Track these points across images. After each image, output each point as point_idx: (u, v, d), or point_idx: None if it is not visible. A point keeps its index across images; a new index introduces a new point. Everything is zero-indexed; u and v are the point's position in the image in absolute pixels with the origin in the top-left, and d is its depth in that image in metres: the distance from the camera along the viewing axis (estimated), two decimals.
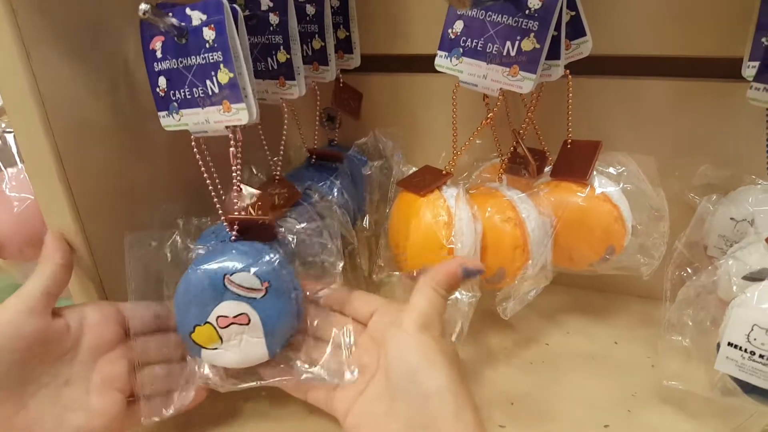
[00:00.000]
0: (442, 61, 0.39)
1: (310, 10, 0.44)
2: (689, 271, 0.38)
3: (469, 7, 0.32)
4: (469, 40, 0.37)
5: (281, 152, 0.45)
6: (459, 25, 0.37)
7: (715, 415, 0.39)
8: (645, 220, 0.42)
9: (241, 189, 0.38)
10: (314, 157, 0.51)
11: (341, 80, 0.52)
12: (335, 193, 0.49)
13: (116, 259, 0.40)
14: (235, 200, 0.36)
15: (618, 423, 0.40)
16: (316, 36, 0.45)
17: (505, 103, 0.45)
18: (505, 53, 0.36)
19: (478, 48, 0.37)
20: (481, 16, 0.36)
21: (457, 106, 0.41)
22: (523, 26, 0.35)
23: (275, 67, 0.41)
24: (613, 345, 0.48)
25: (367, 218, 0.53)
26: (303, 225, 0.38)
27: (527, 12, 0.35)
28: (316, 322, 0.39)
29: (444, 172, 0.43)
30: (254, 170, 0.50)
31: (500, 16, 0.36)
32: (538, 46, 0.35)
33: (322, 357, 0.38)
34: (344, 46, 0.49)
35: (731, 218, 0.41)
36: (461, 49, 0.38)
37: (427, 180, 0.42)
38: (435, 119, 0.54)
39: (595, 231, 0.41)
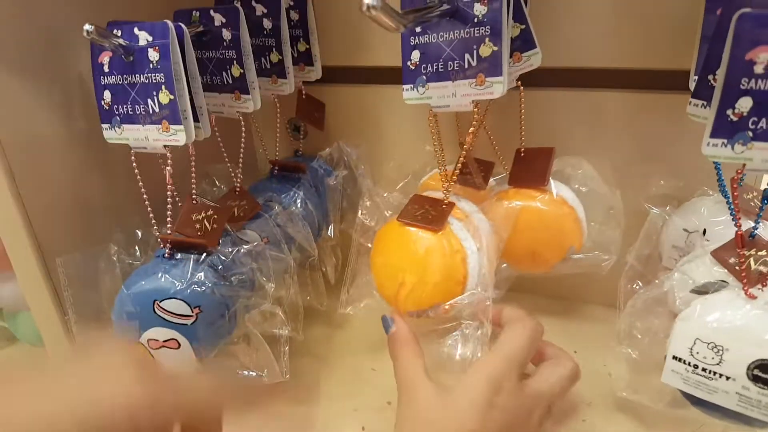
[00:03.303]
0: (409, 94, 0.38)
1: (267, 24, 0.44)
2: (640, 283, 0.38)
3: (402, 30, 0.31)
4: (429, 65, 0.37)
5: (240, 164, 0.46)
6: (416, 55, 0.37)
7: (669, 425, 0.39)
8: (600, 219, 0.43)
9: (196, 200, 0.38)
10: (277, 168, 0.51)
11: (304, 92, 0.52)
12: (298, 204, 0.50)
13: (74, 274, 0.41)
14: (170, 225, 0.37)
15: None
16: (274, 49, 0.45)
17: (456, 117, 0.46)
18: (466, 66, 0.35)
19: (440, 69, 0.37)
20: (434, 39, 0.36)
21: (418, 123, 0.42)
22: (476, 34, 0.35)
23: (230, 81, 0.41)
24: (572, 354, 0.48)
25: (331, 228, 0.54)
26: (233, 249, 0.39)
27: (476, 20, 0.34)
28: None
29: (445, 202, 0.40)
30: (216, 182, 0.50)
31: (451, 33, 0.36)
32: (495, 48, 0.34)
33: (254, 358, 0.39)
34: (305, 59, 0.49)
35: (684, 229, 0.42)
36: (424, 77, 0.37)
37: (431, 212, 0.40)
38: (399, 129, 0.54)
39: (557, 234, 0.42)
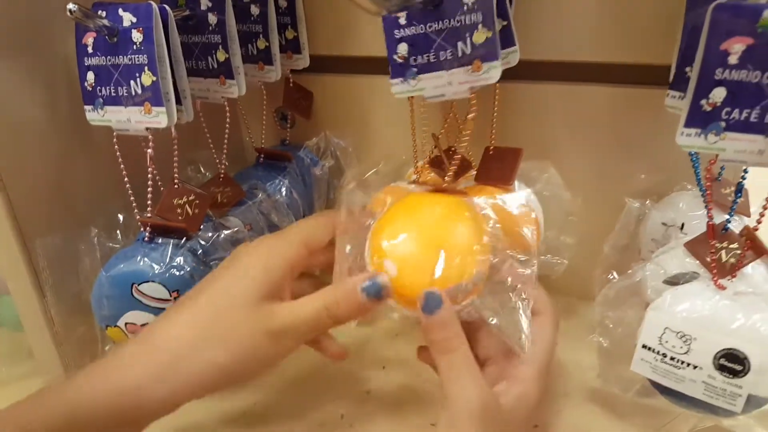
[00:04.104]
0: (399, 88, 0.37)
1: (254, 10, 0.45)
2: (615, 273, 0.39)
3: (384, 13, 0.31)
4: (420, 56, 0.36)
5: (224, 150, 0.46)
6: (403, 48, 0.36)
7: (644, 415, 0.40)
8: (558, 224, 0.43)
9: (178, 185, 0.39)
10: (263, 156, 0.51)
11: (291, 80, 0.52)
12: (283, 193, 0.50)
13: (54, 257, 0.41)
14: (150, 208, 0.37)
15: (547, 422, 0.41)
16: (261, 36, 0.45)
17: (444, 110, 0.46)
18: (461, 54, 0.35)
19: (432, 60, 0.36)
20: (422, 30, 0.35)
21: (406, 113, 0.41)
22: (467, 22, 0.34)
23: (215, 66, 0.42)
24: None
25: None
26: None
27: (466, 8, 0.34)
28: None
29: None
30: (201, 168, 0.50)
31: (440, 22, 0.35)
32: (489, 34, 0.34)
33: None
34: (293, 47, 0.49)
35: (663, 223, 0.42)
36: (415, 69, 0.36)
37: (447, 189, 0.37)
38: (386, 120, 0.54)
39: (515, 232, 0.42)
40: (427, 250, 0.32)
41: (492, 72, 0.34)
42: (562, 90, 0.46)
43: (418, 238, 0.33)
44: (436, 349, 0.31)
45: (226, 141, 0.45)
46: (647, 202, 0.43)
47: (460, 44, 0.34)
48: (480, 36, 0.33)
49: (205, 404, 0.43)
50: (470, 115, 0.36)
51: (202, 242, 0.38)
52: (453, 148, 0.48)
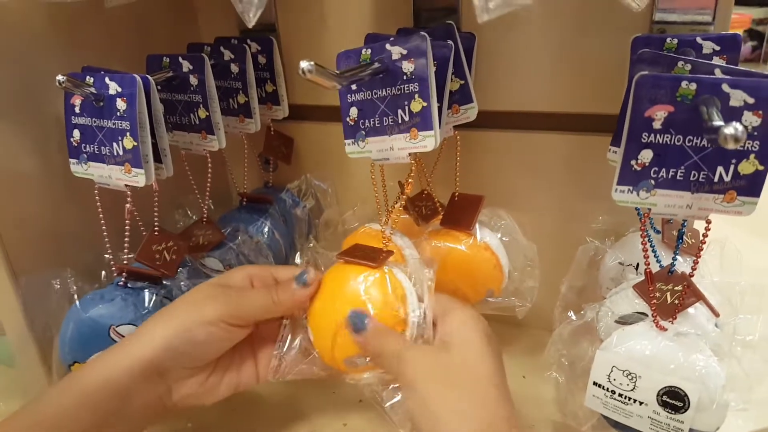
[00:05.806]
0: (351, 149, 0.39)
1: (234, 68, 0.48)
2: (572, 313, 0.41)
3: (339, 88, 0.34)
4: (367, 120, 0.38)
5: (207, 196, 0.49)
6: (354, 111, 0.39)
7: None
8: (520, 268, 0.46)
9: (158, 231, 0.42)
10: (245, 199, 0.54)
11: (272, 128, 0.55)
12: (264, 234, 0.53)
13: (44, 297, 0.43)
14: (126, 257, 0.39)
15: None
16: (241, 92, 0.48)
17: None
18: (400, 121, 0.37)
19: (377, 125, 0.38)
20: (369, 96, 0.38)
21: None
22: (406, 91, 0.36)
23: (197, 122, 0.45)
24: (522, 379, 0.50)
25: (298, 255, 0.57)
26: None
27: (405, 77, 0.36)
28: None
29: (384, 250, 0.39)
30: (189, 212, 0.53)
31: (383, 90, 0.37)
32: (425, 104, 0.36)
33: None
34: (272, 99, 0.53)
35: (619, 262, 0.45)
36: (363, 132, 0.39)
37: (370, 254, 0.39)
38: (363, 162, 0.57)
39: (476, 276, 0.44)
40: (330, 324, 0.37)
41: (427, 141, 0.36)
42: (522, 137, 0.49)
43: (324, 311, 0.38)
44: (374, 351, 0.35)
45: (208, 187, 0.48)
46: (606, 241, 0.46)
47: (400, 111, 0.37)
48: (416, 105, 0.36)
49: None
50: (409, 180, 0.39)
51: (177, 290, 0.41)
52: (425, 191, 0.51)
